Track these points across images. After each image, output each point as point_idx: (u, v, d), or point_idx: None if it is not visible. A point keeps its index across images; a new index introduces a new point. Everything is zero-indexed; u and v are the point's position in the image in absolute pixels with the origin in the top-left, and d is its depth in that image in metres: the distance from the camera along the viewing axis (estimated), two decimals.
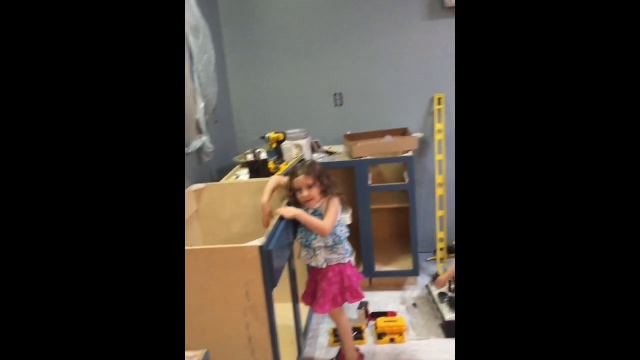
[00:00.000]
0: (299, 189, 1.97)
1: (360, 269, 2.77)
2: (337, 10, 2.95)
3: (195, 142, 2.43)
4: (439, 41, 2.89)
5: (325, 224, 1.93)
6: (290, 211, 1.90)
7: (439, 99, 2.97)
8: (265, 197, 2.00)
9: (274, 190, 2.07)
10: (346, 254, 2.03)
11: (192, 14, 2.39)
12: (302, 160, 2.64)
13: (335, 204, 1.98)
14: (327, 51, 3.02)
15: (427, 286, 2.68)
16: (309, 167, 1.97)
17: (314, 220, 1.93)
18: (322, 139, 2.98)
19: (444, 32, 2.87)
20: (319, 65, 3.05)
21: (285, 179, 2.08)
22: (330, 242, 2.00)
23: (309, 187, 1.95)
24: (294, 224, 2.01)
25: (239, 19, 3.05)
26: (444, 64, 2.91)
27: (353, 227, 2.55)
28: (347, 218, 2.67)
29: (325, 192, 1.98)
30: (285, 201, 2.03)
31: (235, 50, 3.10)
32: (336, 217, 1.97)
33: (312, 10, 2.98)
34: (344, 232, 2.04)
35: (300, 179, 1.95)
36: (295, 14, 3.00)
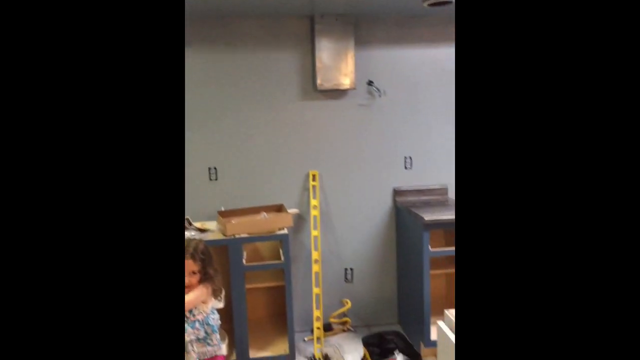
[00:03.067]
0: None
1: (233, 356, 2.56)
2: (212, 87, 2.92)
3: None
4: (313, 120, 3.00)
5: None
6: None
7: (314, 175, 3.03)
8: None
9: None
10: (220, 344, 1.87)
11: None
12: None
13: (205, 289, 1.82)
14: (201, 126, 2.94)
15: None
16: (196, 251, 1.78)
17: None
18: (195, 214, 2.81)
19: (317, 112, 2.99)
20: (194, 139, 2.94)
21: None
22: (202, 334, 1.82)
23: (192, 273, 1.77)
24: None
25: None
26: (318, 142, 3.01)
27: (226, 310, 2.37)
28: (219, 302, 2.48)
29: (203, 281, 1.82)
30: None
31: None
32: (197, 302, 1.80)
33: (190, 85, 2.91)
34: (216, 320, 1.89)
35: (188, 264, 1.76)
36: None
